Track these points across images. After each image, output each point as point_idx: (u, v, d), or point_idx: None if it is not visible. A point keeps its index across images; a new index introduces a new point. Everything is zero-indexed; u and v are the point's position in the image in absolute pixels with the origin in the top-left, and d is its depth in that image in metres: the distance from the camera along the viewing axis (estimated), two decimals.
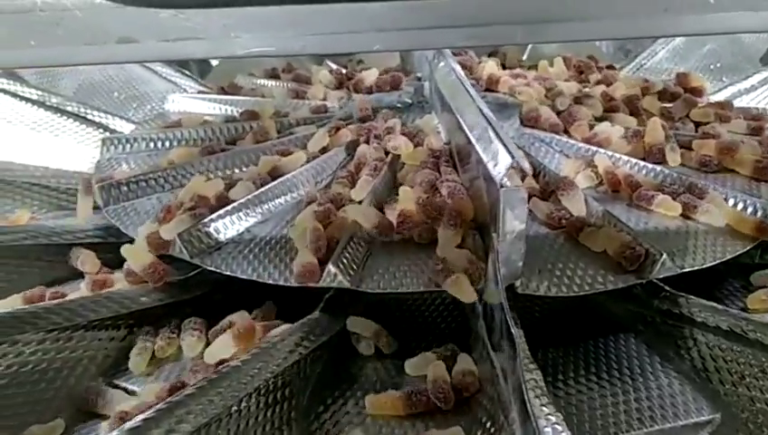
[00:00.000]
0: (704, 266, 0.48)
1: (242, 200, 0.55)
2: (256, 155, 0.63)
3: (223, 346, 0.45)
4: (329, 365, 0.48)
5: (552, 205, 0.54)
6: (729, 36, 1.08)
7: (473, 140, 0.49)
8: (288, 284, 0.48)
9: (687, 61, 1.06)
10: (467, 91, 0.56)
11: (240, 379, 0.39)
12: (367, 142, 0.62)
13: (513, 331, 0.34)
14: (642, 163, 0.60)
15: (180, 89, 1.00)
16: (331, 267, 0.46)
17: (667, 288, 0.48)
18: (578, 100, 0.72)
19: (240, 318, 0.49)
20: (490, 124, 0.49)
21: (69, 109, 0.89)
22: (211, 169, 0.63)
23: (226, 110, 0.81)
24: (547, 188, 0.56)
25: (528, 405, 0.32)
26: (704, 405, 0.42)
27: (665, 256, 0.46)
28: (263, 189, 0.57)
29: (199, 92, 0.90)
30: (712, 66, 1.06)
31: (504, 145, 0.45)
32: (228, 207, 0.54)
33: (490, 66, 0.83)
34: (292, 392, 0.43)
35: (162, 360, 0.49)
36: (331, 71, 0.85)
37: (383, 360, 0.49)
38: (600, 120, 0.70)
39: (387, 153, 0.61)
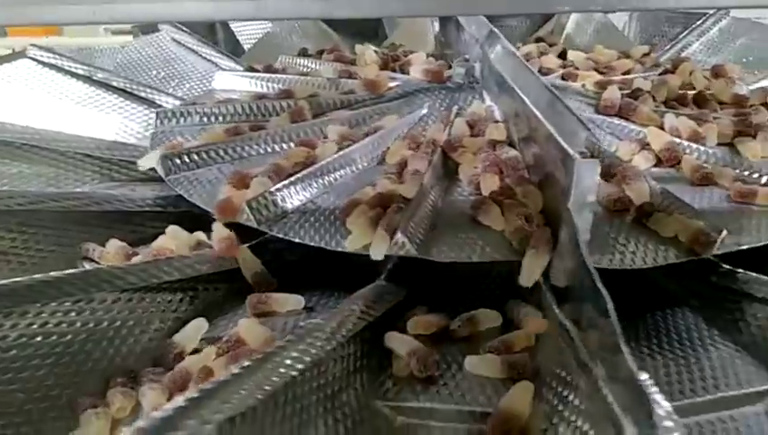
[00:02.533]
0: (760, 244, 0.50)
1: (305, 172, 0.56)
2: (296, 134, 0.66)
3: None
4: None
5: (615, 186, 0.55)
6: (761, 31, 1.09)
7: (540, 117, 0.51)
8: (353, 250, 0.49)
9: (721, 53, 1.07)
10: (531, 72, 0.57)
11: (321, 336, 0.41)
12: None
13: (603, 293, 0.35)
14: (695, 146, 0.61)
15: (219, 69, 1.01)
16: (399, 236, 0.47)
17: (722, 265, 0.49)
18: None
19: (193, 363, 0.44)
20: (560, 100, 0.50)
21: (114, 84, 0.90)
22: (268, 142, 0.64)
23: (273, 87, 0.82)
24: (609, 170, 0.57)
25: (629, 363, 0.33)
26: (765, 375, 0.43)
27: (725, 233, 0.48)
28: (323, 162, 0.58)
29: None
30: (744, 59, 1.06)
31: (579, 119, 0.46)
32: (292, 178, 0.55)
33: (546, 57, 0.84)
34: (364, 353, 0.44)
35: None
36: (376, 51, 0.86)
37: None
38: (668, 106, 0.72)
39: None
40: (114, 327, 0.47)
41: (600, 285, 0.36)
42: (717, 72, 0.88)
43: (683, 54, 1.04)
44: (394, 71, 0.82)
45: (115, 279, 0.47)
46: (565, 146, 0.45)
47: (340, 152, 0.59)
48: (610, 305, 0.34)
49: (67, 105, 0.90)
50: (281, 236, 0.52)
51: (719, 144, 0.65)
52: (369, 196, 0.53)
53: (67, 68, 0.91)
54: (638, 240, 0.49)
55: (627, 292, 0.53)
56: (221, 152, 0.63)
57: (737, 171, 0.58)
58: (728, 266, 0.49)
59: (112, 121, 0.88)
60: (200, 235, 0.56)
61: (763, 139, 0.64)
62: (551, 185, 0.50)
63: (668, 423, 0.29)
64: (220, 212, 0.53)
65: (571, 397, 0.38)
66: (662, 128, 0.65)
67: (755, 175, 0.57)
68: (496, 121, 0.64)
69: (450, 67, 0.77)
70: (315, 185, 0.57)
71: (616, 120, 0.66)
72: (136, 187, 0.68)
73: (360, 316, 0.44)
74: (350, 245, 0.50)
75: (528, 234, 0.48)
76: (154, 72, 1.09)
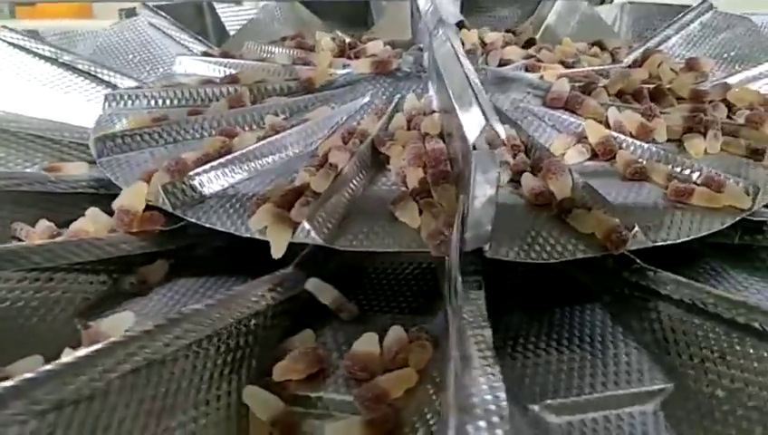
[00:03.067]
0: (677, 241, 0.49)
1: (228, 157, 0.56)
2: (234, 119, 0.66)
3: None
4: (298, 322, 0.48)
5: (541, 180, 0.54)
6: (747, 26, 1.07)
7: (455, 105, 0.50)
8: (263, 237, 0.49)
9: (700, 48, 1.05)
10: (458, 58, 0.56)
11: (201, 322, 0.40)
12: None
13: (458, 286, 0.35)
14: (631, 140, 0.60)
15: (192, 53, 1.01)
16: (305, 224, 0.47)
17: (637, 261, 0.49)
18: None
19: None
20: (471, 88, 0.49)
21: (80, 67, 0.90)
22: (205, 127, 0.64)
23: (230, 72, 0.82)
24: (538, 164, 0.56)
25: (467, 352, 0.32)
26: (658, 375, 0.42)
27: (636, 228, 0.47)
28: (250, 148, 0.58)
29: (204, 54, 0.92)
30: (726, 55, 1.04)
31: (481, 108, 0.45)
32: (214, 163, 0.55)
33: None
34: (255, 340, 0.44)
35: None
36: (334, 38, 0.86)
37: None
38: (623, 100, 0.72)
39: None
40: (17, 307, 0.47)
41: (458, 282, 0.35)
42: (691, 66, 0.87)
43: (660, 48, 1.02)
44: (350, 58, 0.81)
45: (19, 259, 0.47)
46: (467, 136, 0.44)
47: (268, 139, 0.59)
48: (461, 302, 0.34)
49: (34, 87, 0.91)
50: (194, 220, 0.51)
51: (669, 140, 0.64)
52: (281, 190, 0.52)
53: (35, 50, 0.92)
54: (550, 234, 0.48)
55: (544, 282, 0.53)
56: (155, 136, 0.63)
57: (671, 167, 0.57)
58: (640, 263, 0.49)
59: (76, 104, 0.89)
60: None
61: (712, 136, 0.62)
62: (462, 178, 0.49)
63: (495, 419, 0.28)
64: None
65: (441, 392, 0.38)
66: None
67: (687, 171, 0.56)
68: (431, 113, 0.63)
69: None
70: (238, 170, 0.56)
71: (559, 113, 0.65)
72: None
73: (251, 305, 0.44)
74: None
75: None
76: (130, 56, 1.10)
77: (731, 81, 0.85)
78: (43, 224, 0.58)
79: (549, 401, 0.40)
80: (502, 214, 0.52)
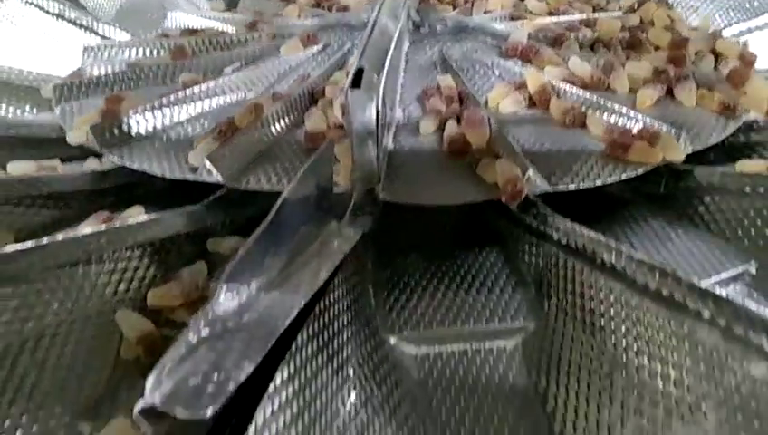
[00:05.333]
0: (580, 187, 0.48)
1: (165, 100, 0.58)
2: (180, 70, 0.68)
3: None
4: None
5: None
6: None
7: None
8: (174, 176, 0.51)
9: None
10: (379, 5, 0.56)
11: (75, 246, 0.43)
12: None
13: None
14: (568, 87, 0.59)
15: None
16: (206, 162, 0.49)
17: (539, 205, 0.48)
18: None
19: None
20: (370, 33, 0.50)
21: (83, 23, 0.94)
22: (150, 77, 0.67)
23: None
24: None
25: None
26: (523, 313, 0.42)
27: (530, 172, 0.46)
28: (194, 90, 0.59)
29: None
30: (748, 5, 0.98)
31: (362, 51, 0.46)
32: (148, 105, 0.57)
33: None
34: (149, 268, 0.47)
35: None
36: None
37: None
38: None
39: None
40: None
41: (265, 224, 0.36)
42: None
43: None
44: (323, 9, 0.82)
45: None
46: (347, 79, 0.44)
47: (213, 81, 0.61)
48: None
49: (47, 42, 0.95)
50: (120, 162, 0.54)
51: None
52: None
53: (43, 6, 0.96)
54: (451, 177, 0.49)
55: (456, 226, 0.54)
56: (110, 82, 0.66)
57: (608, 116, 0.55)
58: (539, 208, 0.48)
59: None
60: None
61: (686, 89, 0.59)
62: None
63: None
64: None
65: None
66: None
67: (627, 121, 0.54)
68: None
69: None
70: (179, 111, 0.58)
71: (511, 64, 0.64)
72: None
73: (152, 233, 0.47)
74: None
75: None
76: (148, 15, 1.14)
77: (731, 32, 0.81)
78: None
79: (407, 332, 0.41)
80: (417, 160, 0.53)
